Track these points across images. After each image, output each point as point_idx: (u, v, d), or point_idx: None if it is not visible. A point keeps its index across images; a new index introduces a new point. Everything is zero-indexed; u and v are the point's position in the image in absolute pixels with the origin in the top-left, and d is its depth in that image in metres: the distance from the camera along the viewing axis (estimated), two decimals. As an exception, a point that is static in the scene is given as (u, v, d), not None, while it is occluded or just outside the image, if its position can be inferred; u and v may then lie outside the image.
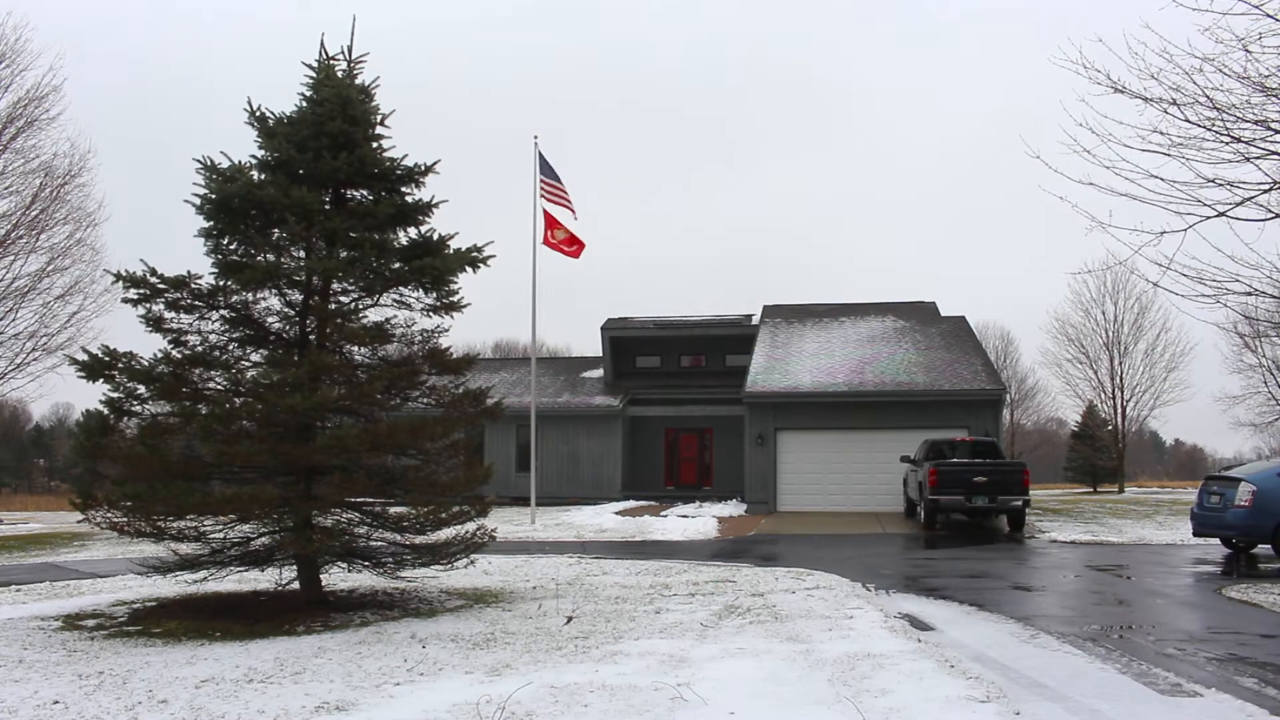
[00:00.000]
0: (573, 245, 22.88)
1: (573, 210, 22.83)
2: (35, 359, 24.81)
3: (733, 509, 25.46)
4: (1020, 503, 19.11)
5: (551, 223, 22.71)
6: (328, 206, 10.17)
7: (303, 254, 10.08)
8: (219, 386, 9.84)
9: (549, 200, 22.66)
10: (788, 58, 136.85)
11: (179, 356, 9.56)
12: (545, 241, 22.72)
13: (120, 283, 9.36)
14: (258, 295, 9.98)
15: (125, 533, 9.35)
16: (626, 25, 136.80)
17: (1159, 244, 8.80)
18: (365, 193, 10.49)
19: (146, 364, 9.34)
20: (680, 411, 31.76)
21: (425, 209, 10.54)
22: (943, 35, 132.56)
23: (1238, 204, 8.65)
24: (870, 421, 24.96)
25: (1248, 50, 8.15)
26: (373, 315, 10.46)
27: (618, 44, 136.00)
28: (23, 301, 24.29)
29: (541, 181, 22.66)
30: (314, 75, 10.27)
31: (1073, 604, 10.53)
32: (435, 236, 10.43)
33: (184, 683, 6.63)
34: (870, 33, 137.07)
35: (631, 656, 7.19)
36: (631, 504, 27.75)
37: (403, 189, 10.49)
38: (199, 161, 9.63)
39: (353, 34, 10.57)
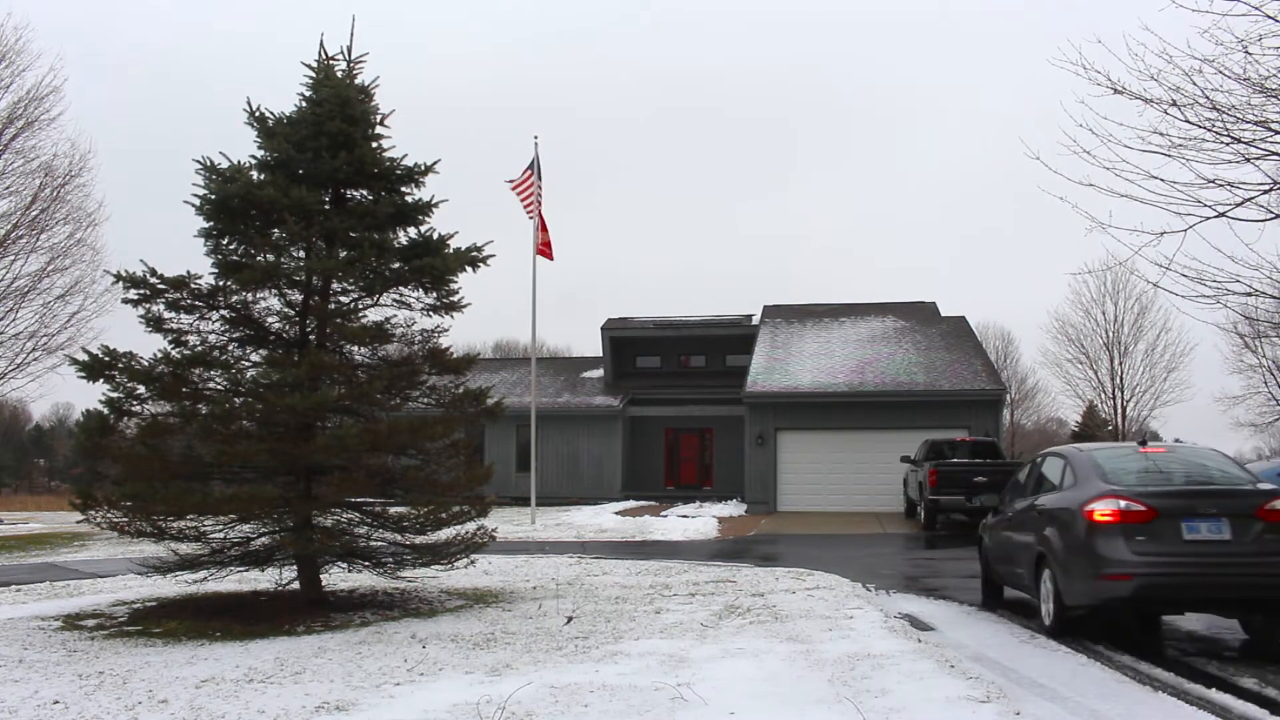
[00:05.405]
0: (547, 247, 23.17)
1: (538, 199, 22.71)
2: (35, 359, 24.80)
3: (733, 509, 25.48)
4: (1020, 503, 19.09)
5: (543, 225, 22.80)
6: (327, 206, 10.17)
7: (302, 254, 10.08)
8: (219, 386, 9.84)
9: (521, 197, 22.63)
10: (788, 57, 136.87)
11: (179, 356, 9.56)
12: (538, 248, 22.88)
13: (120, 283, 9.37)
14: (257, 295, 9.98)
15: (125, 533, 9.35)
16: (628, 38, 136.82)
17: (1159, 244, 8.81)
18: (365, 192, 10.49)
19: (146, 364, 9.34)
20: (680, 411, 31.77)
21: (425, 209, 10.54)
22: (943, 35, 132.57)
23: (1238, 204, 8.65)
24: (870, 422, 24.98)
25: (1248, 51, 8.15)
26: (372, 315, 10.48)
27: (618, 56, 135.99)
28: (23, 301, 24.28)
29: (538, 182, 22.67)
30: (313, 75, 10.28)
31: (1073, 604, 10.51)
32: (435, 236, 10.44)
33: (184, 683, 6.63)
34: (869, 32, 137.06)
35: (632, 656, 7.19)
36: (631, 504, 27.77)
37: (402, 189, 10.50)
38: (199, 162, 9.64)
39: (352, 34, 10.58)
